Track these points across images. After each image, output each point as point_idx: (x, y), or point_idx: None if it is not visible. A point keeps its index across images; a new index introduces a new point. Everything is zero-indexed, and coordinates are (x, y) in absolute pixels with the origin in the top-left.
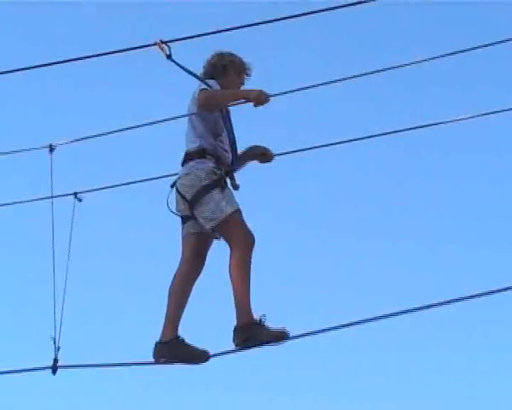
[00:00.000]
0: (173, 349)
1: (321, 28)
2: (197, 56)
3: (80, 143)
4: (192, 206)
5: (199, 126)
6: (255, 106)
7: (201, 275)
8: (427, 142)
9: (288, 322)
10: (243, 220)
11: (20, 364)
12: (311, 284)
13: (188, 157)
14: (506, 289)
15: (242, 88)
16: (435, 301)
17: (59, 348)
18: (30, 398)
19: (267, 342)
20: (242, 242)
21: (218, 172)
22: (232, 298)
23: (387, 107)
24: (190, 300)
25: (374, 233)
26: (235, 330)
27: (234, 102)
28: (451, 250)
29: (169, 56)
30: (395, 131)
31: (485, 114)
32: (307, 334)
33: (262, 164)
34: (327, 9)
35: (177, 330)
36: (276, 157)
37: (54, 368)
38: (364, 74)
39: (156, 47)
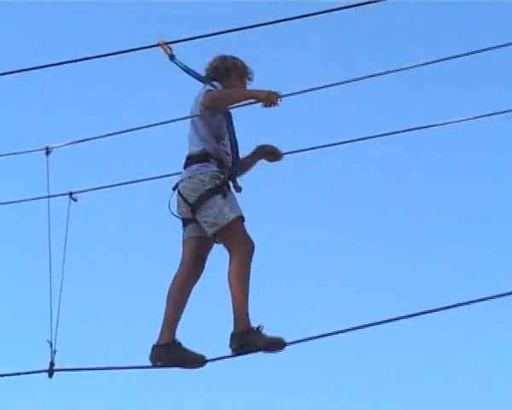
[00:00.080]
0: (170, 353)
1: (321, 28)
2: (195, 57)
3: (76, 144)
4: (194, 209)
5: (202, 130)
6: (264, 107)
7: (200, 279)
8: (428, 142)
9: (288, 323)
10: (244, 227)
11: (18, 366)
12: (310, 285)
13: (190, 160)
14: (509, 293)
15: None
16: (437, 306)
17: (55, 351)
18: (27, 400)
19: (263, 350)
20: (242, 249)
21: (222, 176)
22: (230, 304)
23: (388, 107)
24: (188, 303)
25: (374, 234)
26: (232, 335)
27: (242, 103)
28: (452, 251)
29: (172, 57)
30: (396, 132)
31: (486, 116)
32: (303, 340)
33: (271, 163)
34: (327, 11)
35: (174, 333)
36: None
37: (50, 371)
38: (372, 76)
39: (156, 48)
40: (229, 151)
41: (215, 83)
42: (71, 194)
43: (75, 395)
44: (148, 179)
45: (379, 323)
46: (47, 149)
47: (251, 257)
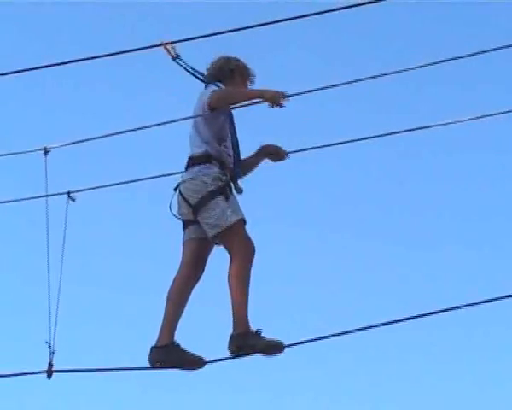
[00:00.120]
0: (169, 354)
1: (321, 28)
2: (194, 57)
3: (75, 144)
4: (196, 211)
5: (204, 131)
6: (271, 106)
7: (200, 281)
8: (429, 142)
9: (289, 323)
10: (246, 230)
11: (17, 367)
12: (311, 286)
13: (193, 162)
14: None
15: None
16: (437, 305)
17: (54, 352)
18: (25, 401)
19: (261, 352)
20: (243, 251)
21: (224, 177)
22: (230, 306)
23: (388, 107)
24: (188, 305)
25: (375, 234)
26: (231, 337)
27: (247, 102)
28: (453, 252)
29: (177, 57)
30: (396, 132)
31: (487, 116)
32: (302, 342)
33: (274, 163)
34: (328, 11)
35: (173, 334)
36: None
37: (49, 372)
38: (376, 76)
39: (156, 49)
40: (231, 153)
41: (219, 84)
42: (69, 193)
43: (74, 396)
44: (146, 179)
45: (376, 326)
46: (45, 149)
47: (251, 260)
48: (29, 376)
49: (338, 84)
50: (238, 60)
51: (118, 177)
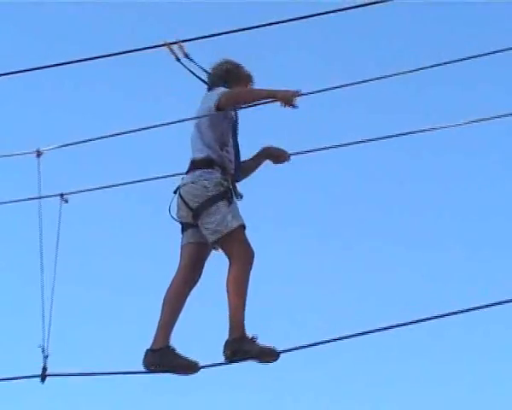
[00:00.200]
0: (163, 358)
1: (321, 29)
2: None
3: (67, 147)
4: (196, 215)
5: (207, 135)
6: (283, 106)
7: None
8: (429, 144)
9: (288, 325)
10: (246, 236)
11: (10, 371)
12: (310, 288)
13: (194, 165)
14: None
15: None
16: (437, 307)
17: (47, 355)
18: (19, 405)
19: (255, 359)
20: (242, 257)
21: (225, 183)
22: (226, 311)
23: (388, 108)
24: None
25: (375, 235)
26: (226, 343)
27: (259, 102)
28: (454, 253)
29: (186, 56)
30: (398, 135)
31: (489, 119)
32: (296, 348)
33: (276, 165)
34: (330, 12)
35: (168, 338)
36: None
37: (42, 376)
38: (381, 77)
39: (153, 50)
40: (232, 158)
41: (225, 86)
42: (62, 195)
43: (68, 401)
44: (139, 181)
45: (371, 331)
46: (38, 151)
47: (251, 266)
48: (22, 380)
49: (347, 84)
50: (240, 64)
51: (110, 179)
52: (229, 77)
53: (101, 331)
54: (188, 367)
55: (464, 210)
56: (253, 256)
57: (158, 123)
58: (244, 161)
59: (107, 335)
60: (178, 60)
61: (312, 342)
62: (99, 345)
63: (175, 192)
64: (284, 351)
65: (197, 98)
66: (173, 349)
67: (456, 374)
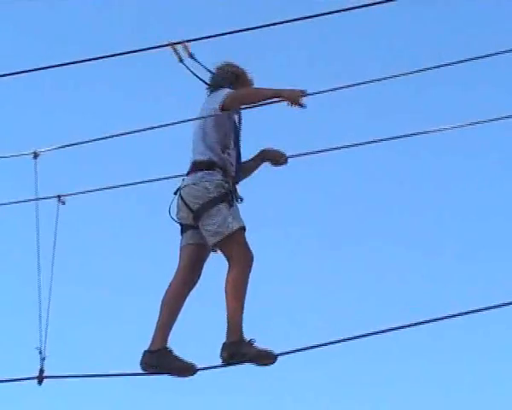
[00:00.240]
0: (161, 359)
1: (320, 28)
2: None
3: (64, 149)
4: (197, 217)
5: (211, 135)
6: (290, 106)
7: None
8: (429, 145)
9: (287, 328)
10: (245, 239)
11: (7, 373)
12: (309, 290)
13: (196, 167)
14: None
15: None
16: (437, 309)
17: (45, 357)
18: (16, 408)
19: (253, 361)
20: (242, 259)
21: (226, 185)
22: (225, 314)
23: (388, 110)
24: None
25: (375, 237)
26: (224, 345)
27: (264, 102)
28: (453, 256)
29: (191, 56)
30: (397, 137)
31: (491, 121)
32: (294, 351)
33: (275, 167)
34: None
35: (166, 340)
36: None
37: (40, 378)
38: (385, 78)
39: (150, 51)
40: (234, 161)
41: (230, 87)
42: (59, 197)
43: (65, 403)
44: (137, 183)
45: (365, 335)
46: (35, 153)
47: (250, 268)
48: (20, 382)
49: (353, 85)
50: (246, 70)
51: (108, 180)
52: (234, 79)
53: (99, 333)
54: (185, 369)
55: (464, 212)
56: (252, 259)
57: (157, 124)
58: (243, 162)
59: (105, 336)
60: (181, 61)
61: (310, 344)
62: (96, 347)
63: (175, 193)
64: (282, 354)
65: (196, 99)
66: (171, 351)
67: (456, 375)
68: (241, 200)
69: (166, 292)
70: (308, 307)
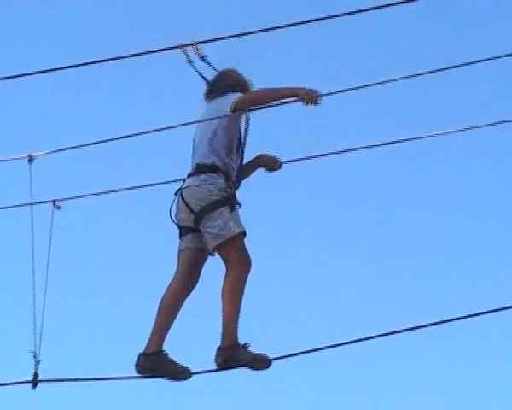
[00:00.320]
0: (156, 362)
1: (320, 29)
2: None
3: (60, 153)
4: (198, 219)
5: (220, 137)
6: (306, 105)
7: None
8: (428, 151)
9: (282, 332)
10: (245, 244)
11: (1, 376)
12: (306, 294)
13: (199, 169)
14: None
15: None
16: (437, 315)
17: (39, 361)
18: None
19: (247, 366)
20: (240, 264)
21: (229, 190)
22: (220, 318)
23: (387, 113)
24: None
25: (373, 242)
26: (218, 350)
27: (279, 102)
28: (455, 261)
29: (202, 58)
30: (396, 142)
31: (491, 125)
32: (289, 356)
33: (269, 173)
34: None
35: (162, 343)
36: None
37: (34, 382)
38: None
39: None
40: (235, 166)
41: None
42: (54, 202)
43: (60, 407)
44: (133, 188)
45: (360, 340)
46: (30, 156)
47: (247, 274)
48: (14, 386)
49: (364, 86)
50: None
51: (104, 184)
52: (242, 86)
53: (93, 337)
54: (179, 373)
55: (464, 214)
56: (250, 265)
57: (153, 128)
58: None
59: (99, 340)
60: (190, 62)
61: (305, 349)
62: (90, 351)
63: (176, 194)
64: (276, 358)
65: (191, 103)
66: (166, 354)
67: (456, 377)
68: (240, 206)
69: (165, 295)
70: (305, 310)
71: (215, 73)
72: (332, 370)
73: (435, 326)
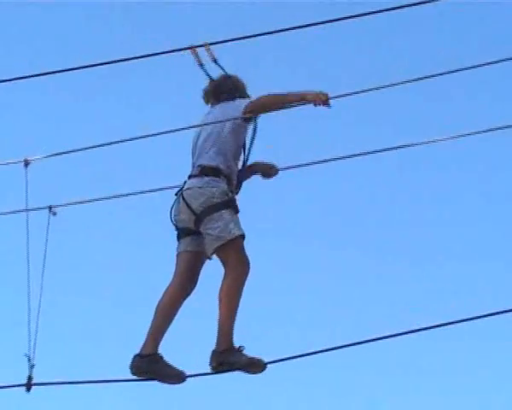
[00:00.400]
0: (151, 365)
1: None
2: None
3: (56, 157)
4: (199, 220)
5: (228, 142)
6: (316, 106)
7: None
8: (427, 156)
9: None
10: (244, 247)
11: None
12: (305, 301)
13: (202, 171)
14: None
15: None
16: (435, 319)
17: (33, 365)
18: None
19: (242, 369)
20: (240, 267)
21: (230, 194)
22: (217, 320)
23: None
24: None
25: (371, 247)
26: (213, 353)
27: (289, 106)
28: (453, 265)
29: (215, 61)
30: (396, 147)
31: (489, 131)
32: (283, 359)
33: (265, 179)
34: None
35: (158, 345)
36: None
37: (28, 386)
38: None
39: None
40: (237, 171)
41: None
42: (50, 208)
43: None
44: (129, 195)
45: (357, 343)
46: (25, 161)
47: (246, 277)
48: (7, 389)
49: (376, 88)
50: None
51: (100, 189)
52: (244, 94)
53: (87, 341)
54: (174, 377)
55: (464, 216)
56: (248, 267)
57: (151, 132)
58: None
59: (93, 344)
60: (201, 65)
61: (299, 353)
62: (85, 355)
63: (176, 194)
64: (271, 362)
65: (188, 107)
66: (161, 357)
67: (456, 378)
68: (238, 211)
69: (162, 297)
70: (301, 314)
71: (218, 76)
72: (328, 374)
73: (435, 328)
